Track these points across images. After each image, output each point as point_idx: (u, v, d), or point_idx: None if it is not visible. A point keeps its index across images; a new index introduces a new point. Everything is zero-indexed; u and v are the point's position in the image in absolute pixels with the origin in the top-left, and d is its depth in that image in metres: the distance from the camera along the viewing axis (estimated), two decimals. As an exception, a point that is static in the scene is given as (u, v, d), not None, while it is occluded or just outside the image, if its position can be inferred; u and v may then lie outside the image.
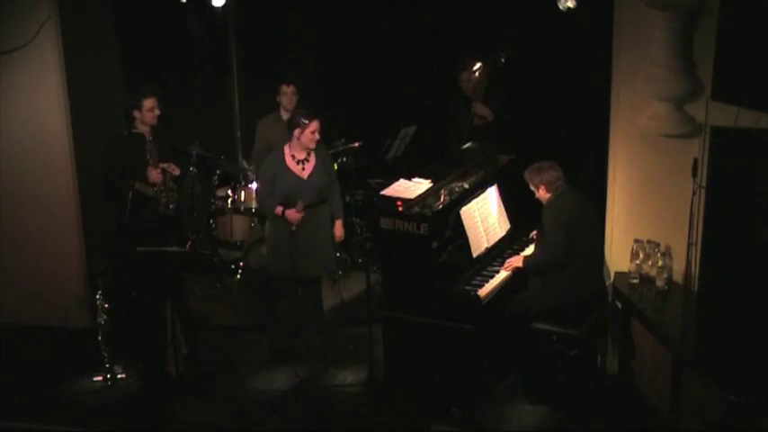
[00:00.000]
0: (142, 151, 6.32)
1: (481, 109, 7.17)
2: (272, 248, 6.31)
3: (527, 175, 5.90)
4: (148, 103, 6.31)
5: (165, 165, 6.40)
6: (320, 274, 6.54)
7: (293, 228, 6.13)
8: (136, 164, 6.29)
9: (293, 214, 6.12)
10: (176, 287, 6.36)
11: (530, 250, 6.23)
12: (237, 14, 8.76)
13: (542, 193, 5.85)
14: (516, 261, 6.02)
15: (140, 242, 6.01)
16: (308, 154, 6.23)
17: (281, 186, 6.16)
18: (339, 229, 6.49)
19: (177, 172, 6.49)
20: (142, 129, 6.35)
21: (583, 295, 5.85)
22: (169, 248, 5.92)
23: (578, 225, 5.76)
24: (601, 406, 5.84)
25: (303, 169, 6.21)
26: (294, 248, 6.15)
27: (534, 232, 6.26)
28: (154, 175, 6.32)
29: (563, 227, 5.70)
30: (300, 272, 6.26)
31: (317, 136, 6.14)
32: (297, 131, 6.12)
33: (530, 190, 5.94)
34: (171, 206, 6.48)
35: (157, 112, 6.35)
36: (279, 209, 6.14)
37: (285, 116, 7.42)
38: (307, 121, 6.09)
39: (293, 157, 6.20)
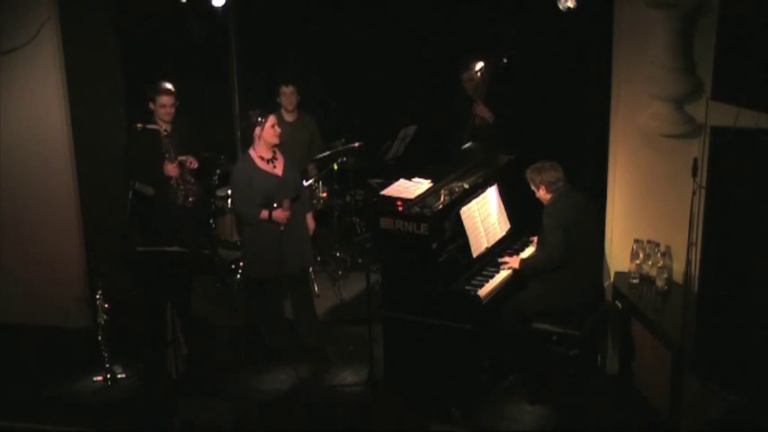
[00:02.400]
0: (157, 146, 6.34)
1: (482, 110, 7.17)
2: (258, 253, 6.26)
3: (528, 175, 5.90)
4: (162, 99, 6.39)
5: (183, 158, 6.43)
6: (305, 270, 6.55)
7: (281, 227, 6.13)
8: (152, 158, 6.31)
9: (281, 213, 6.12)
10: (176, 287, 6.36)
11: (529, 251, 6.23)
12: (237, 14, 8.76)
13: (542, 193, 5.85)
14: (513, 262, 6.02)
15: (157, 237, 6.04)
16: (274, 153, 6.25)
17: (260, 189, 6.14)
18: (311, 222, 6.57)
19: (195, 165, 6.52)
20: (160, 122, 6.37)
21: (583, 296, 5.85)
22: (169, 248, 5.92)
23: (578, 226, 5.76)
24: (601, 406, 5.84)
25: (275, 167, 6.22)
26: (282, 248, 6.15)
27: (535, 238, 6.26)
28: (170, 169, 6.36)
29: (562, 229, 5.70)
30: (287, 270, 6.26)
31: (277, 129, 6.19)
32: (257, 131, 6.15)
33: (530, 190, 5.94)
34: (190, 199, 6.51)
35: (170, 110, 6.42)
36: (264, 213, 6.12)
37: (286, 116, 7.45)
38: (263, 118, 6.13)
39: (262, 158, 6.20)
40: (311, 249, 6.63)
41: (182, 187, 6.48)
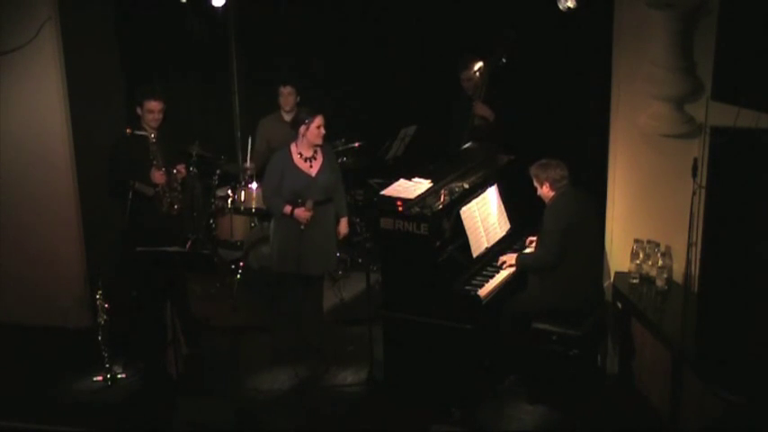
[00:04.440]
0: (145, 152, 6.31)
1: (482, 109, 7.15)
2: (279, 247, 6.30)
3: (532, 171, 5.88)
4: (150, 104, 6.26)
5: (179, 166, 6.44)
6: (323, 273, 6.54)
7: (302, 226, 6.13)
8: (140, 164, 6.29)
9: (303, 213, 6.13)
10: (176, 287, 6.36)
11: (527, 251, 6.22)
12: (237, 14, 8.76)
13: (546, 191, 5.84)
14: (510, 259, 6.03)
15: (144, 242, 6.01)
16: (315, 152, 6.24)
17: (289, 185, 6.15)
18: (344, 227, 6.52)
19: (183, 173, 6.49)
20: (147, 128, 6.33)
21: (582, 296, 5.84)
22: (169, 248, 5.92)
23: (578, 227, 5.75)
24: (601, 406, 5.84)
25: (311, 167, 6.22)
26: (301, 247, 6.16)
27: (530, 239, 6.25)
28: (157, 176, 6.31)
29: (561, 231, 5.69)
30: (305, 270, 6.27)
31: (322, 131, 6.17)
32: (302, 128, 6.14)
33: (530, 190, 5.93)
34: (175, 206, 6.46)
35: (158, 116, 6.29)
36: (288, 208, 6.14)
37: (284, 116, 7.43)
38: (311, 117, 6.10)
39: (300, 155, 6.20)
40: (335, 253, 6.58)
41: (167, 195, 6.41)
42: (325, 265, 6.47)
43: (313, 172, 6.22)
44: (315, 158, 6.24)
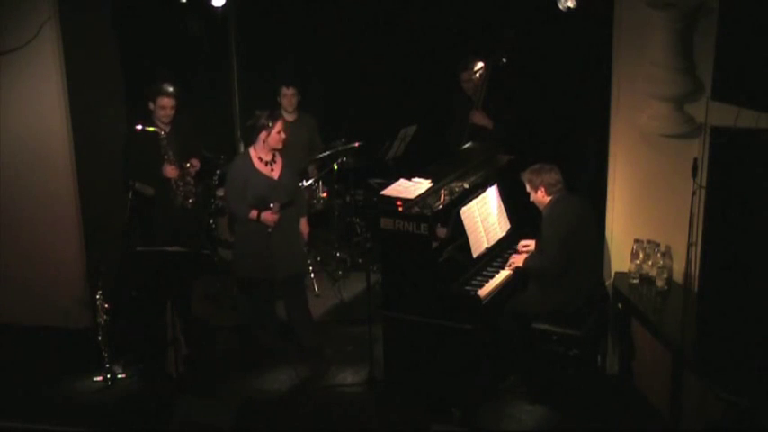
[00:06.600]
0: (156, 147, 6.35)
1: (479, 118, 7.10)
2: (246, 252, 6.28)
3: (527, 176, 5.87)
4: (163, 100, 6.39)
5: (193, 160, 6.53)
6: (294, 274, 6.48)
7: (269, 230, 6.13)
8: (150, 160, 6.32)
9: (270, 216, 6.13)
10: (176, 287, 6.36)
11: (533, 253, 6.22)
12: (237, 14, 8.76)
13: (540, 196, 5.84)
14: (519, 260, 6.03)
15: (154, 241, 6.05)
16: (274, 155, 6.25)
17: (254, 190, 6.15)
18: (305, 227, 6.56)
19: (197, 166, 6.59)
20: (159, 123, 6.37)
21: (581, 299, 5.84)
22: (169, 248, 5.93)
23: (577, 231, 5.75)
24: (601, 406, 5.84)
25: (272, 170, 6.23)
26: (271, 251, 6.16)
27: (521, 244, 6.24)
28: (169, 170, 6.39)
29: (561, 239, 5.68)
30: (276, 273, 6.27)
31: (283, 135, 6.19)
32: (263, 134, 6.15)
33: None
34: (190, 200, 6.54)
35: (170, 112, 6.41)
36: (254, 213, 6.14)
37: (286, 116, 7.42)
38: (270, 123, 6.12)
39: (260, 159, 6.20)
40: (303, 255, 6.57)
41: (181, 188, 6.49)
42: (296, 266, 6.44)
43: (275, 175, 6.23)
44: (275, 162, 6.25)
